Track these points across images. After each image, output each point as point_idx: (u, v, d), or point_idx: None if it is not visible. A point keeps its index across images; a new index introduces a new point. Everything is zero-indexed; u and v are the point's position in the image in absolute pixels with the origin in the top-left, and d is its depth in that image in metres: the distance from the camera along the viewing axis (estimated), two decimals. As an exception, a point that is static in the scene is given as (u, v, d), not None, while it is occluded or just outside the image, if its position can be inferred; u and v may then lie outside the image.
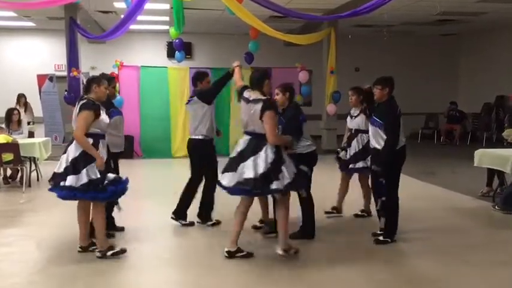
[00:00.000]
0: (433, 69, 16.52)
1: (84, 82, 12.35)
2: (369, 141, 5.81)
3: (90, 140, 4.64)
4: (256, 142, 4.62)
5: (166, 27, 12.91)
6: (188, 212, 5.91)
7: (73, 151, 4.66)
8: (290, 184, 4.57)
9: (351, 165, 6.05)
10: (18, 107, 11.49)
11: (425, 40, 16.33)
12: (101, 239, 4.79)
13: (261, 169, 4.50)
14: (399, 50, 16.08)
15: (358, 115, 6.08)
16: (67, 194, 4.65)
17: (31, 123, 11.32)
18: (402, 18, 12.79)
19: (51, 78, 12.74)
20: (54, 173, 4.78)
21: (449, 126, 14.93)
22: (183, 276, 4.56)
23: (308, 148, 5.15)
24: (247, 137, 4.73)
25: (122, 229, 5.63)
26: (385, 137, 5.03)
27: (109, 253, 4.76)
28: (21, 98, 11.52)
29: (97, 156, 4.63)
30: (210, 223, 5.92)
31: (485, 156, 7.05)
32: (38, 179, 8.70)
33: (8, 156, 7.80)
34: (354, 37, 14.15)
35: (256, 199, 5.22)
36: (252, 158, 4.56)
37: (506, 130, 8.83)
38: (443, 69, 16.63)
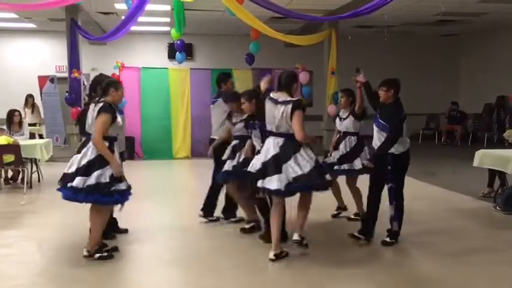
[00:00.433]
0: (434, 70, 16.51)
1: (86, 83, 12.41)
2: (356, 144, 5.88)
3: (106, 143, 4.62)
4: (292, 144, 4.62)
5: (167, 28, 12.93)
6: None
7: (89, 154, 4.62)
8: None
9: (336, 167, 5.96)
10: (25, 108, 11.53)
11: (426, 41, 16.33)
12: (94, 239, 4.75)
13: (308, 167, 4.57)
14: (400, 50, 16.07)
15: (347, 117, 6.04)
16: (70, 195, 4.62)
17: (37, 124, 11.34)
18: (403, 18, 12.79)
19: (52, 79, 12.77)
20: (64, 174, 4.77)
21: (450, 127, 14.92)
22: (184, 277, 4.56)
23: None
24: (279, 139, 4.67)
25: (125, 231, 5.61)
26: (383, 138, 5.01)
27: (96, 255, 4.72)
28: (29, 99, 11.56)
29: (112, 161, 4.60)
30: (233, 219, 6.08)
31: (486, 157, 7.04)
32: (39, 181, 8.71)
33: (9, 158, 7.80)
34: (354, 38, 14.14)
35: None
36: (293, 158, 4.57)
37: (507, 131, 8.82)
38: (444, 69, 16.62)
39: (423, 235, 5.63)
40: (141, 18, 9.00)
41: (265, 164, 4.63)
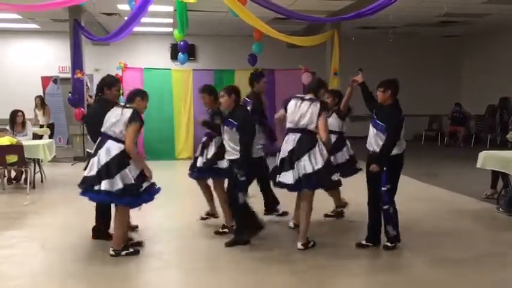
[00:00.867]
0: (437, 71, 16.48)
1: (89, 84, 12.39)
2: (335, 142, 5.87)
3: (122, 146, 4.70)
4: (308, 138, 4.92)
5: (170, 29, 12.94)
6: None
7: (104, 156, 4.67)
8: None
9: None
10: (37, 110, 11.56)
11: (428, 42, 16.30)
12: (118, 237, 4.86)
13: (320, 164, 4.86)
14: (403, 51, 16.05)
15: (329, 115, 5.99)
16: (105, 198, 4.67)
17: (44, 126, 11.35)
18: (406, 19, 12.77)
19: (55, 80, 12.79)
20: (85, 177, 4.77)
21: (453, 128, 14.88)
22: (185, 277, 4.56)
23: (257, 153, 5.15)
24: (297, 135, 4.95)
25: (135, 227, 5.66)
26: (382, 139, 4.95)
27: (123, 253, 4.82)
28: (36, 99, 11.57)
29: (145, 168, 4.76)
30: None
31: (489, 158, 7.02)
32: (42, 181, 8.73)
33: (12, 158, 7.82)
34: (357, 39, 14.14)
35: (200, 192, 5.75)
36: (307, 155, 4.87)
37: (510, 132, 8.79)
38: (446, 70, 16.59)
39: (425, 236, 5.62)
40: (144, 19, 9.00)
41: (282, 160, 4.98)
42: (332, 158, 5.71)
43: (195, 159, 5.78)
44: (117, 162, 4.63)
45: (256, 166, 5.23)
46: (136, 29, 9.61)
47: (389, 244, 5.11)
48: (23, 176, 8.55)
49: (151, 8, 8.41)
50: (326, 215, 6.30)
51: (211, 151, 5.54)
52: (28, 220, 6.50)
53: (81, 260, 4.85)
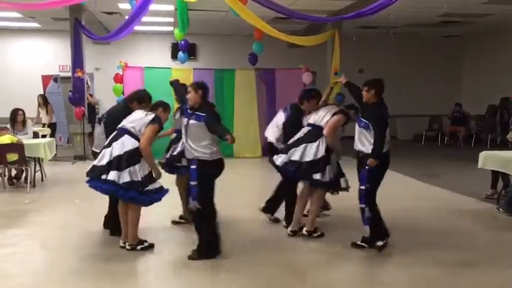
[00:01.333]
0: (437, 71, 16.49)
1: (89, 82, 12.41)
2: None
3: (136, 142, 4.81)
4: (314, 132, 5.28)
5: (170, 28, 12.94)
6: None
7: (118, 149, 4.77)
8: (330, 183, 5.28)
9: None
10: (40, 109, 11.55)
11: (429, 42, 16.31)
12: (132, 234, 4.96)
13: (308, 158, 5.19)
14: (403, 51, 16.05)
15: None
16: (110, 188, 4.75)
17: (45, 125, 11.34)
18: (406, 19, 12.77)
19: (55, 78, 12.79)
20: (94, 166, 4.86)
21: (454, 128, 14.89)
22: (185, 277, 4.56)
23: (213, 156, 4.76)
24: (308, 128, 5.38)
25: None
26: (370, 138, 4.91)
27: (139, 247, 4.96)
28: (39, 98, 11.56)
29: (154, 168, 4.89)
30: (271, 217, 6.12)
31: (489, 159, 7.02)
32: (42, 179, 8.73)
33: (13, 157, 7.81)
34: (357, 38, 14.14)
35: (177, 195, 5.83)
36: (304, 145, 5.24)
37: (510, 132, 8.80)
38: (447, 70, 16.60)
39: (426, 236, 5.62)
40: (144, 18, 9.02)
41: (288, 145, 5.42)
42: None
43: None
44: (128, 157, 4.73)
45: (215, 168, 4.81)
46: (137, 28, 9.63)
47: (358, 242, 5.09)
48: (24, 175, 8.55)
49: (152, 7, 8.43)
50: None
51: (178, 148, 5.61)
52: (29, 218, 6.51)
53: (83, 258, 4.86)
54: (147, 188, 4.80)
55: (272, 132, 5.86)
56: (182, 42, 10.55)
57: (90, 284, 4.31)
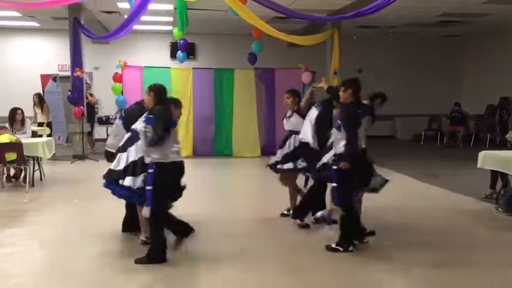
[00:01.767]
0: (436, 71, 16.50)
1: (88, 82, 12.37)
2: (301, 142, 5.82)
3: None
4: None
5: (169, 27, 12.94)
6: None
7: (133, 154, 4.78)
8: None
9: (278, 166, 5.97)
10: (36, 108, 11.54)
11: (428, 41, 16.32)
12: (146, 229, 4.95)
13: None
14: (402, 51, 16.06)
15: (291, 115, 6.02)
16: (126, 193, 4.80)
17: (44, 124, 11.33)
18: (405, 19, 12.78)
19: (54, 78, 12.78)
20: (111, 170, 4.87)
21: (453, 128, 14.89)
22: (184, 277, 4.56)
23: (167, 158, 4.66)
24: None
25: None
26: (340, 140, 4.92)
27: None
28: (34, 97, 11.54)
29: None
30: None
31: (488, 158, 7.02)
32: (41, 179, 8.72)
33: (12, 156, 7.81)
34: (357, 38, 14.15)
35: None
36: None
37: (510, 132, 8.80)
38: (446, 70, 16.60)
39: (424, 236, 5.62)
40: (143, 17, 9.02)
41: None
42: (299, 160, 5.80)
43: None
44: (142, 162, 4.71)
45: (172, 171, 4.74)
46: (136, 27, 9.62)
47: (333, 245, 5.01)
48: (22, 174, 8.54)
49: (151, 6, 8.42)
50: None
51: None
52: (28, 218, 6.50)
53: (82, 257, 4.85)
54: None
55: (307, 132, 5.69)
56: (181, 41, 10.55)
57: (90, 283, 4.30)
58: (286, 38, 10.57)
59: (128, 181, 4.75)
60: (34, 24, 13.92)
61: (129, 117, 5.21)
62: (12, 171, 8.66)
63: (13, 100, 10.88)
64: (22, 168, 8.34)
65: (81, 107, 11.36)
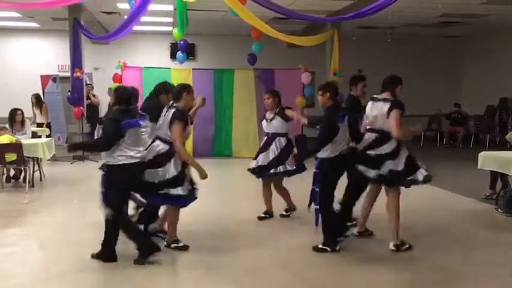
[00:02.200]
0: (436, 71, 16.50)
1: (88, 82, 12.35)
2: (286, 145, 5.87)
3: (167, 146, 4.78)
4: (384, 141, 4.95)
5: (169, 28, 12.94)
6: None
7: (150, 153, 4.80)
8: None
9: (272, 170, 5.89)
10: (35, 109, 11.53)
11: (428, 42, 16.31)
12: (170, 231, 5.04)
13: (401, 166, 4.93)
14: (402, 52, 16.06)
15: (273, 118, 5.96)
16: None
17: (44, 125, 11.32)
18: (405, 20, 12.78)
19: (54, 78, 12.77)
20: None
21: (453, 129, 14.90)
22: (185, 276, 4.56)
23: (119, 160, 4.56)
24: (373, 134, 5.03)
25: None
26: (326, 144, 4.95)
27: (173, 245, 4.99)
28: (32, 98, 11.53)
29: (196, 167, 4.80)
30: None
31: (488, 159, 7.02)
32: (41, 179, 8.72)
33: (11, 157, 7.80)
34: (357, 39, 14.15)
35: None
36: (390, 161, 4.92)
37: (509, 132, 8.81)
38: (446, 71, 16.60)
39: (425, 236, 5.62)
40: (143, 18, 9.01)
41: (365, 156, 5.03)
42: (288, 162, 5.79)
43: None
44: (158, 161, 4.76)
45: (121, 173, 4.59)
46: (136, 27, 9.61)
47: (320, 246, 5.03)
48: (22, 175, 8.54)
49: (151, 6, 8.42)
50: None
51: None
52: (28, 218, 6.50)
53: (81, 258, 4.85)
54: (170, 192, 4.77)
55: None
56: (181, 42, 10.55)
57: (89, 284, 4.30)
58: (285, 39, 10.57)
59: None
60: (34, 24, 13.92)
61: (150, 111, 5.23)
62: (12, 172, 8.67)
63: (13, 101, 10.88)
64: (22, 168, 8.34)
65: (81, 108, 11.36)
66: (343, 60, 12.35)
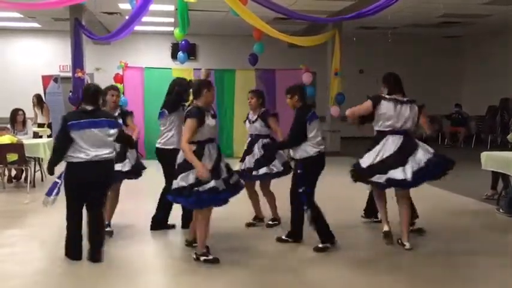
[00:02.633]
0: (437, 72, 16.48)
1: (87, 81, 12.37)
2: (268, 144, 5.80)
3: (194, 147, 4.53)
4: (410, 140, 5.10)
5: (171, 28, 12.95)
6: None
7: (181, 155, 4.64)
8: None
9: (254, 172, 5.74)
10: (36, 109, 11.54)
11: (429, 42, 16.30)
12: (198, 243, 4.73)
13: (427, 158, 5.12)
14: (403, 52, 16.05)
15: (256, 120, 5.86)
16: (171, 197, 4.72)
17: (45, 125, 11.32)
18: (406, 20, 12.78)
19: (56, 79, 12.80)
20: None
21: (454, 129, 14.88)
22: (183, 276, 4.56)
23: (70, 158, 4.70)
24: (399, 136, 5.05)
25: (173, 226, 5.75)
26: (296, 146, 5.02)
27: (202, 258, 4.68)
28: (33, 98, 11.54)
29: (197, 165, 4.43)
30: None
31: (489, 159, 7.01)
32: (42, 180, 8.72)
33: (13, 157, 7.81)
34: (358, 39, 14.14)
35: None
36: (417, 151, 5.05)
37: (511, 133, 8.79)
38: (447, 71, 16.59)
39: (425, 236, 5.61)
40: (145, 18, 9.01)
41: (389, 158, 4.96)
42: (273, 164, 5.71)
43: None
44: (185, 165, 4.55)
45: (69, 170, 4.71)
46: (137, 28, 9.63)
47: (320, 246, 5.07)
48: (23, 175, 8.55)
49: (152, 7, 8.42)
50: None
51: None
52: (28, 219, 6.50)
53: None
54: (197, 188, 4.48)
55: None
56: (182, 42, 10.55)
57: (88, 284, 4.30)
58: (287, 39, 10.57)
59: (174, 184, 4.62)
60: (35, 25, 13.94)
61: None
62: (13, 172, 8.67)
63: (14, 101, 10.89)
64: (23, 169, 8.35)
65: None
66: (344, 61, 12.35)
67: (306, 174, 5.03)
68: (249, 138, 5.96)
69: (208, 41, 15.55)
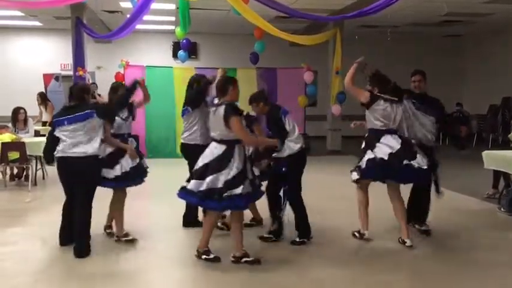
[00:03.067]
0: (439, 71, 16.44)
1: (90, 81, 12.39)
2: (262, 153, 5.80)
3: (223, 147, 4.48)
4: (406, 139, 5.20)
5: (172, 27, 12.95)
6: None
7: (208, 155, 4.54)
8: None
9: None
10: (41, 107, 11.53)
11: (430, 41, 16.29)
12: (236, 245, 4.72)
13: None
14: (404, 51, 16.04)
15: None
16: (183, 195, 4.63)
17: (47, 123, 11.32)
18: (407, 19, 12.76)
19: (57, 77, 12.82)
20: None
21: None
22: (185, 276, 4.57)
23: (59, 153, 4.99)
24: (395, 135, 5.13)
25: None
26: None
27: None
28: (37, 96, 11.54)
29: (269, 142, 4.88)
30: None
31: (491, 158, 7.01)
32: (43, 178, 8.73)
33: (14, 155, 7.82)
34: (359, 38, 14.14)
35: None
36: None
37: (512, 132, 8.79)
38: (448, 70, 16.57)
39: (426, 236, 5.60)
40: (146, 17, 9.02)
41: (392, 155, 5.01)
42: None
43: None
44: (217, 163, 4.46)
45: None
46: (139, 26, 9.62)
47: (297, 240, 5.23)
48: (25, 173, 8.56)
49: (154, 5, 8.42)
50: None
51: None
52: (30, 217, 6.51)
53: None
54: (227, 194, 4.40)
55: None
56: (183, 41, 10.55)
57: (90, 284, 4.31)
58: (288, 38, 10.56)
59: (191, 185, 4.52)
60: (36, 23, 13.95)
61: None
62: (15, 170, 8.68)
63: (15, 99, 10.91)
64: (25, 167, 8.36)
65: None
66: (345, 59, 12.32)
67: (290, 172, 5.09)
68: None
69: (209, 40, 15.54)
